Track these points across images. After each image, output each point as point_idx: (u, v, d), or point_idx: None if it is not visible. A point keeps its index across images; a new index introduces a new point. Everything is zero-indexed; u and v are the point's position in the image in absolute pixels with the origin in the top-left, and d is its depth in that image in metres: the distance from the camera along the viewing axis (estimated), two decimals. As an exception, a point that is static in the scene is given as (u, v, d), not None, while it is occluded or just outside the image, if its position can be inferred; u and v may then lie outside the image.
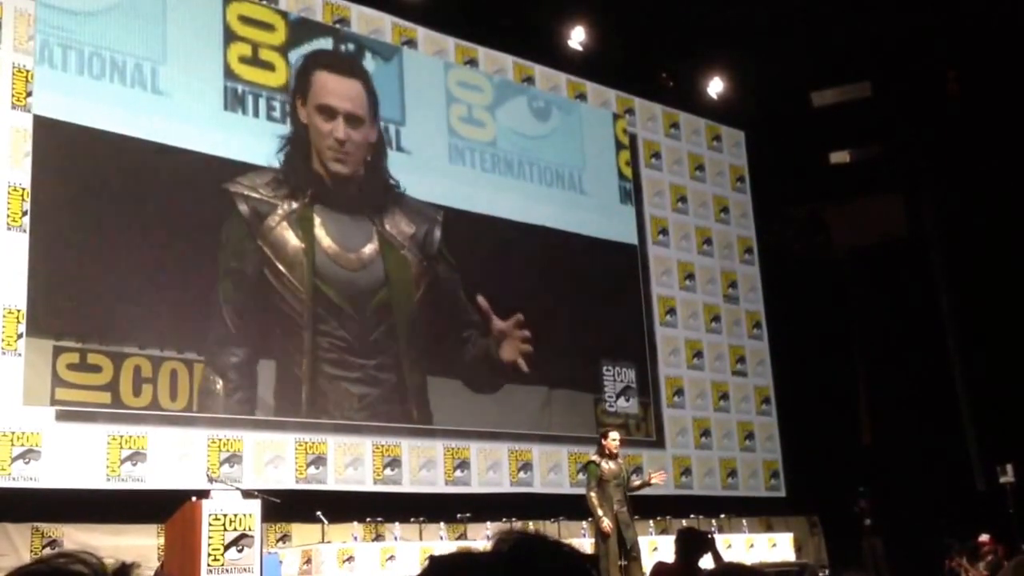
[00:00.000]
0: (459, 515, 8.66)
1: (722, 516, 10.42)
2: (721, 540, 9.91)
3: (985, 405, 12.10)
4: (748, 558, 9.49)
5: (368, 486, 8.50)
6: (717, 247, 11.99)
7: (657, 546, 9.19)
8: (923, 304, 12.73)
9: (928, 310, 12.70)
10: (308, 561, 7.54)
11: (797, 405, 11.93)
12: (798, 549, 10.57)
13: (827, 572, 10.21)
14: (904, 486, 11.80)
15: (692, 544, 5.14)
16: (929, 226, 12.97)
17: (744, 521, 10.49)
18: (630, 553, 7.51)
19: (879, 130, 12.55)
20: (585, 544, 8.58)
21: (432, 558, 1.29)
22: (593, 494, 7.53)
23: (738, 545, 9.89)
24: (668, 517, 10.01)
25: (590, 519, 8.68)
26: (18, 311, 7.12)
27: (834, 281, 13.22)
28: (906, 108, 12.23)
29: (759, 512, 11.05)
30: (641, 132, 11.61)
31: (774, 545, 10.26)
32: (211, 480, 7.23)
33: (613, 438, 7.68)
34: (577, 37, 10.87)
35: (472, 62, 10.32)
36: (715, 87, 12.15)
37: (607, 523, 7.36)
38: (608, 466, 7.56)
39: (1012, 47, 11.24)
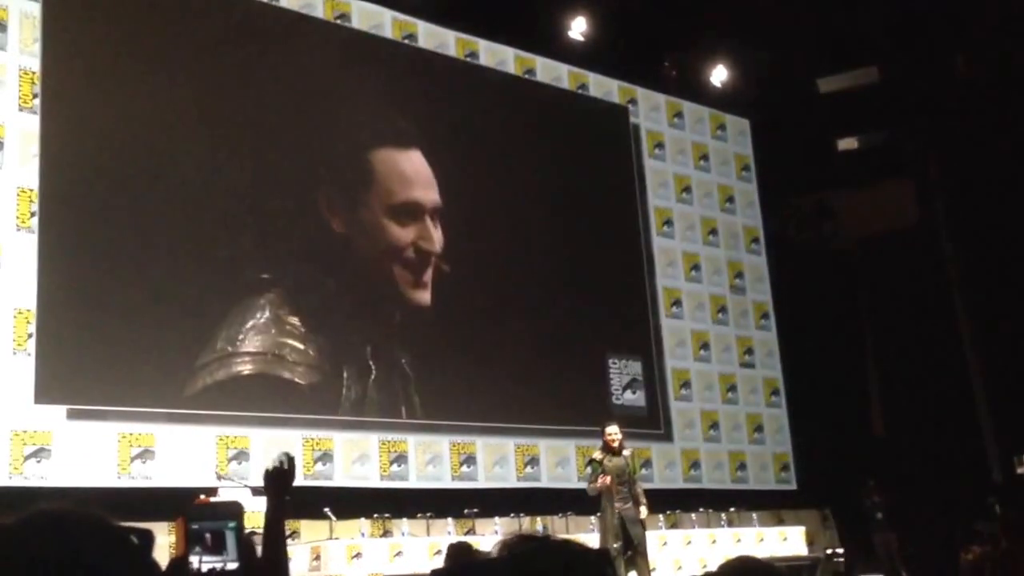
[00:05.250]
0: (466, 510, 8.68)
1: (732, 510, 10.39)
2: (730, 534, 9.92)
3: (1001, 394, 11.98)
4: (759, 552, 9.45)
5: (375, 482, 8.54)
6: (723, 237, 11.91)
7: (667, 540, 9.19)
8: (935, 292, 12.61)
9: (940, 298, 12.57)
10: (317, 558, 7.59)
11: (807, 396, 11.82)
12: (810, 543, 10.49)
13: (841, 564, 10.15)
14: (918, 478, 11.70)
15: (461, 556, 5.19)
16: (940, 213, 12.83)
17: (754, 515, 10.44)
18: (637, 548, 7.48)
19: (888, 116, 12.42)
20: (592, 540, 8.60)
21: (435, 572, 1.32)
22: (592, 486, 7.55)
23: (748, 539, 9.85)
24: (678, 511, 9.99)
25: (598, 514, 8.70)
26: (28, 311, 7.19)
27: (843, 270, 13.11)
28: (915, 93, 12.10)
29: (770, 505, 10.95)
30: (644, 122, 11.54)
31: (785, 539, 10.20)
32: (219, 477, 7.30)
33: (610, 432, 7.59)
34: (578, 27, 10.81)
35: (473, 55, 10.30)
36: (719, 75, 12.06)
37: (602, 482, 7.36)
38: (611, 462, 7.48)
39: (1023, 30, 11.10)
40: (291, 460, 2.74)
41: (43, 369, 7.14)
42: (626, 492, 7.44)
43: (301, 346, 8.20)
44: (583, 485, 9.41)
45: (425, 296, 8.88)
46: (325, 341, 8.36)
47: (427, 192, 9.04)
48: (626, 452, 7.63)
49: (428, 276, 8.91)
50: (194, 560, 2.70)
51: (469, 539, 7.79)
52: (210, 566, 2.71)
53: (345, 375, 8.46)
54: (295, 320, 8.24)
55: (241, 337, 7.98)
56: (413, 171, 9.07)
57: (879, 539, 10.56)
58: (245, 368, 7.99)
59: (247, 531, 6.46)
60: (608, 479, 7.36)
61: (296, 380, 8.15)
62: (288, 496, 2.71)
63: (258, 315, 8.11)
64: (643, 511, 7.48)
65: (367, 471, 8.53)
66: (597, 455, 7.59)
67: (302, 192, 8.58)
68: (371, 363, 8.60)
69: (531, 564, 1.14)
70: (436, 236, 8.96)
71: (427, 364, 8.95)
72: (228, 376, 7.90)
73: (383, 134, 9.07)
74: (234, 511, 2.84)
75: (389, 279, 8.77)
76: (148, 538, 1.03)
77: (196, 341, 7.83)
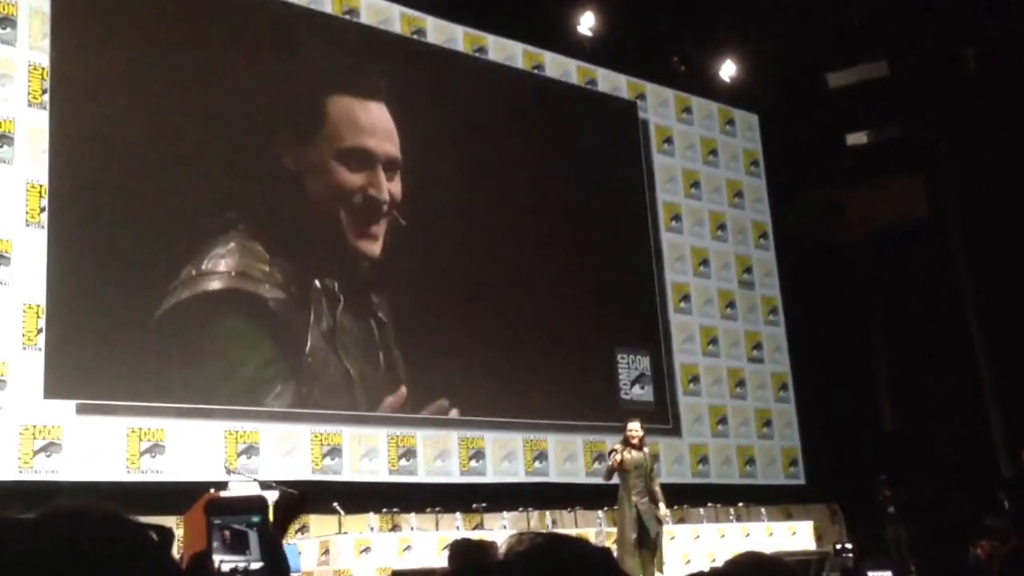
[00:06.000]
0: (475, 505, 8.69)
1: (740, 504, 10.38)
2: (739, 528, 9.91)
3: (1010, 388, 11.96)
4: (768, 546, 9.44)
5: (384, 477, 8.55)
6: (731, 232, 11.89)
7: (675, 535, 9.18)
8: (944, 286, 12.58)
9: (949, 292, 12.54)
10: (326, 552, 7.60)
11: (816, 391, 11.83)
12: (819, 537, 10.50)
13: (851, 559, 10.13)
14: (926, 472, 11.69)
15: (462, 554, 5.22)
16: (949, 207, 12.78)
17: (763, 509, 10.43)
18: (653, 543, 7.58)
19: (897, 110, 12.38)
20: (601, 534, 8.61)
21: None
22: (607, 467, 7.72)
23: (757, 534, 9.85)
24: (686, 506, 10.00)
25: (606, 508, 8.72)
26: (38, 306, 7.21)
27: (852, 265, 13.09)
28: (924, 87, 12.05)
29: (778, 500, 10.96)
30: (653, 117, 11.52)
31: (794, 533, 10.20)
32: (229, 472, 7.30)
33: (632, 428, 7.73)
34: (587, 23, 10.80)
35: (481, 50, 10.29)
36: (728, 70, 12.03)
37: (618, 457, 7.50)
38: (630, 456, 7.62)
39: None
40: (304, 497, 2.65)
41: (53, 364, 7.16)
42: (642, 486, 7.58)
43: (267, 268, 8.14)
44: (591, 480, 9.45)
45: (374, 247, 8.75)
46: (291, 267, 8.25)
47: (381, 143, 8.92)
48: (646, 449, 7.78)
49: (379, 228, 8.76)
50: (215, 558, 2.64)
51: (478, 534, 7.83)
52: (232, 565, 2.65)
53: (312, 298, 8.33)
54: (259, 248, 8.16)
55: (207, 262, 7.91)
56: (369, 121, 8.97)
57: (890, 533, 10.56)
58: (212, 285, 7.87)
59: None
60: (618, 458, 7.52)
61: (263, 295, 8.04)
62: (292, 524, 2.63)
63: (223, 246, 8.03)
64: (662, 508, 7.63)
65: (376, 466, 8.54)
66: (617, 446, 7.75)
67: (261, 129, 8.49)
68: (339, 294, 8.48)
69: (540, 563, 1.14)
70: (387, 187, 8.83)
71: (415, 341, 8.84)
72: (194, 294, 7.77)
73: (345, 82, 8.99)
74: (258, 505, 2.76)
75: (336, 224, 8.66)
76: (168, 535, 1.03)
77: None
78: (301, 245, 8.43)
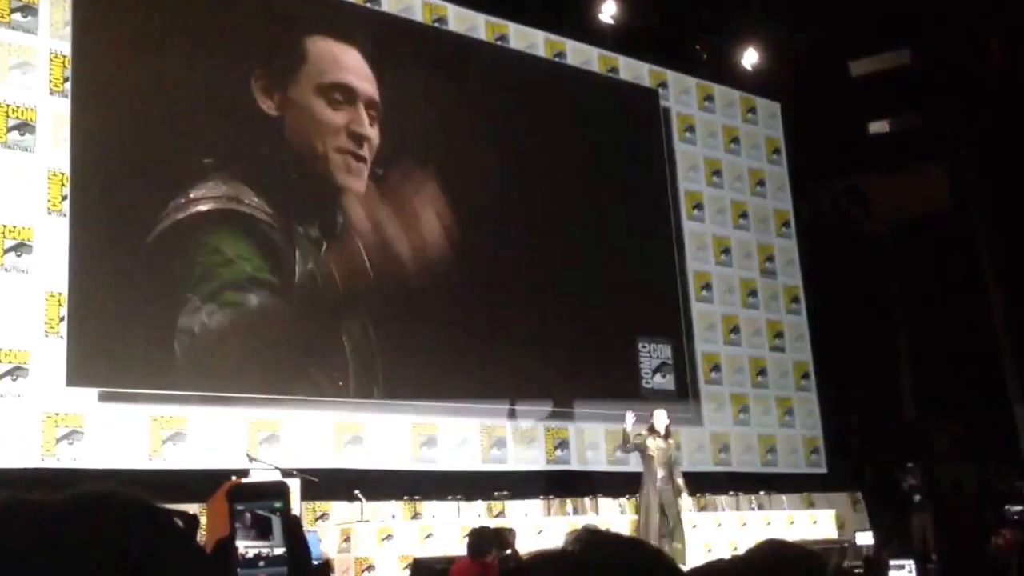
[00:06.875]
0: (496, 493, 8.69)
1: (761, 493, 10.35)
2: (760, 517, 9.86)
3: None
4: (789, 535, 9.39)
5: (405, 464, 8.55)
6: (753, 221, 11.83)
7: (696, 523, 9.14)
8: (967, 276, 12.48)
9: (972, 282, 12.44)
10: (347, 539, 7.60)
11: (837, 380, 11.78)
12: (840, 526, 10.45)
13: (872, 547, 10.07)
14: (948, 462, 11.62)
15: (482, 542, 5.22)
16: (972, 197, 12.67)
17: (784, 498, 10.41)
18: (671, 531, 7.62)
19: (920, 99, 12.26)
20: (624, 521, 8.59)
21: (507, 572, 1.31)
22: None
23: (778, 522, 9.80)
24: (707, 494, 9.97)
25: (628, 496, 8.72)
26: (59, 294, 7.22)
27: (874, 254, 13.01)
28: (947, 76, 11.92)
29: (800, 488, 10.95)
30: (674, 106, 11.46)
31: (815, 522, 10.16)
32: (250, 459, 7.31)
33: (656, 415, 7.84)
34: (608, 11, 10.76)
35: (503, 38, 10.24)
36: (750, 58, 11.95)
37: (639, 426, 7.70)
38: (655, 443, 7.70)
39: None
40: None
41: (75, 352, 7.16)
42: (665, 474, 7.64)
43: (256, 199, 8.10)
44: (612, 468, 9.44)
45: (359, 185, 8.68)
46: (275, 205, 8.18)
47: (362, 82, 8.83)
48: (670, 439, 7.85)
49: (364, 172, 8.65)
50: (238, 544, 2.63)
51: (499, 522, 7.81)
52: (255, 551, 2.65)
53: (296, 240, 8.25)
54: (244, 187, 8.11)
55: (193, 192, 7.84)
56: (349, 60, 8.89)
57: (916, 522, 10.52)
58: (203, 207, 7.80)
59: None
60: (639, 426, 7.76)
61: (255, 215, 8.00)
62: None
63: (215, 181, 7.99)
64: (685, 497, 7.69)
65: (398, 453, 8.53)
66: (643, 432, 7.83)
67: (238, 76, 8.37)
68: (322, 239, 8.40)
69: (603, 560, 1.13)
70: (369, 128, 8.74)
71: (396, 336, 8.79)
72: (187, 215, 7.73)
73: (321, 22, 8.90)
74: (279, 491, 2.75)
75: (317, 167, 8.52)
76: (193, 521, 1.00)
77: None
78: (287, 195, 8.31)
